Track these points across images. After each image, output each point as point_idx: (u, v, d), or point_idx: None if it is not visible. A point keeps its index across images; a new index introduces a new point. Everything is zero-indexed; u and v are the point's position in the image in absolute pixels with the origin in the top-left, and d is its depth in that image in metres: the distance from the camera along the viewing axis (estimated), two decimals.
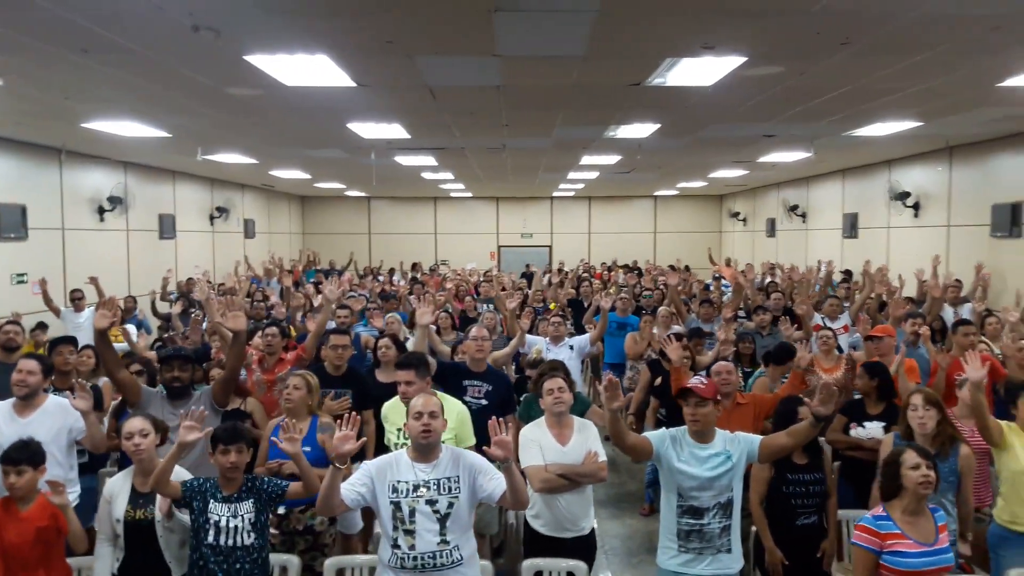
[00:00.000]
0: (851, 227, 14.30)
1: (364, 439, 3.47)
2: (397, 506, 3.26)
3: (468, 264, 17.32)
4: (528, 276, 12.97)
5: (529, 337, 6.75)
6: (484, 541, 4.96)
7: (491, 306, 9.43)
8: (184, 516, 3.64)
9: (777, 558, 4.09)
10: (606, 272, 16.57)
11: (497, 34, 5.20)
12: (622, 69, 6.19)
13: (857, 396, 5.30)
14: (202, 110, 7.83)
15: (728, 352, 6.22)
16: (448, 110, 8.12)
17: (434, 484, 3.28)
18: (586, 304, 10.02)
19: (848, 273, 12.88)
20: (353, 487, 3.29)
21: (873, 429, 4.80)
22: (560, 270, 16.16)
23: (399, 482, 3.29)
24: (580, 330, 8.48)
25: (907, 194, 12.12)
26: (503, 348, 6.23)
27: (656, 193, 21.77)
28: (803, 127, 9.15)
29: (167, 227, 13.91)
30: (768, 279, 12.64)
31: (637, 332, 7.88)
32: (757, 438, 3.54)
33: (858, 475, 4.69)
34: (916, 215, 12.12)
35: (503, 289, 9.82)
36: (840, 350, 6.50)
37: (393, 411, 4.55)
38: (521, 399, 5.35)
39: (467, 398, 4.92)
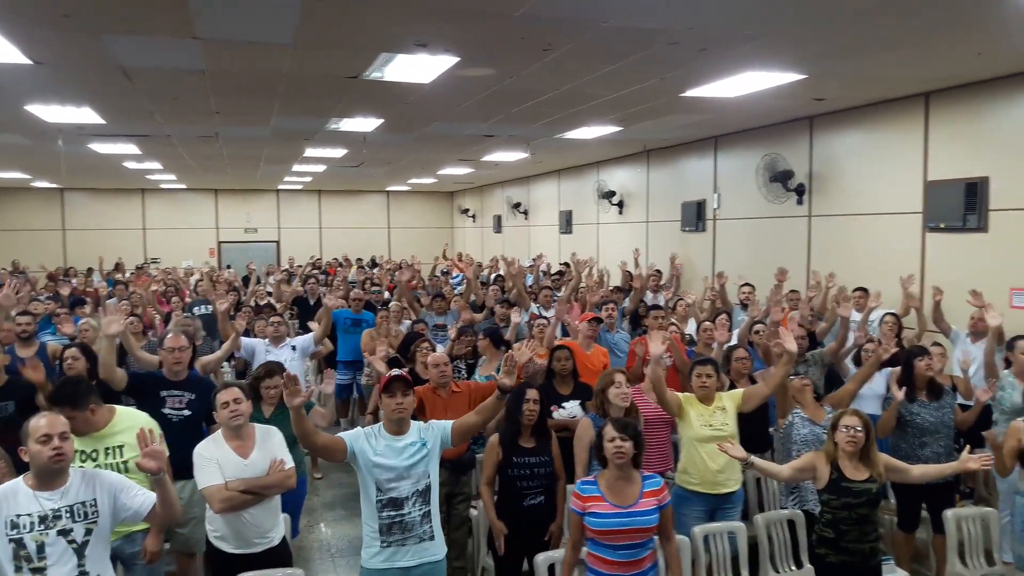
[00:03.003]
0: (567, 223, 15.33)
1: None
2: (20, 543, 2.88)
3: (184, 262, 16.05)
4: (247, 278, 12.24)
5: (245, 340, 6.36)
6: (193, 560, 4.61)
7: (207, 307, 8.77)
8: None
9: (499, 528, 4.24)
10: (338, 268, 16.21)
11: (194, 15, 4.81)
12: (337, 60, 6.03)
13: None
14: None
15: (464, 349, 6.35)
16: (148, 94, 7.42)
17: (66, 512, 2.96)
18: (312, 302, 9.70)
19: (565, 265, 13.77)
20: None
21: (572, 408, 5.13)
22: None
23: (19, 516, 2.90)
24: (307, 329, 8.17)
25: (613, 193, 13.24)
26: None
27: (388, 188, 21.74)
28: (519, 128, 9.59)
29: None
30: (494, 274, 13.13)
31: (374, 328, 7.77)
32: (450, 423, 3.65)
33: (568, 453, 4.96)
34: (621, 212, 13.27)
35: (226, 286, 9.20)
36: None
37: None
38: None
39: (167, 409, 4.55)
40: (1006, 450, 4.25)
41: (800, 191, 8.93)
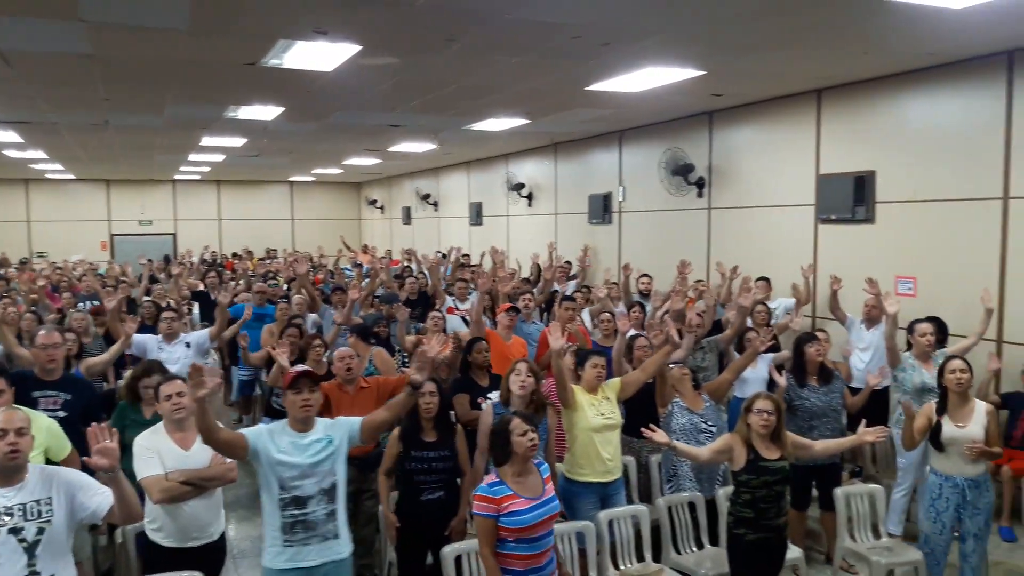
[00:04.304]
0: (477, 215, 15.32)
1: None
2: None
3: (73, 256, 15.24)
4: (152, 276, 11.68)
5: (137, 337, 6.07)
6: (81, 568, 4.37)
7: (96, 303, 8.34)
8: None
9: (391, 521, 4.23)
10: (237, 261, 15.72)
11: None
12: (233, 47, 5.82)
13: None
14: None
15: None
16: (29, 79, 7.00)
17: (18, 510, 2.85)
18: (213, 296, 9.36)
19: (466, 257, 13.76)
20: None
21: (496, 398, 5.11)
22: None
23: None
24: (209, 323, 7.89)
25: (522, 185, 13.30)
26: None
27: (292, 179, 21.21)
28: (426, 119, 9.50)
29: None
30: (406, 263, 13.01)
31: (274, 324, 7.59)
32: (358, 420, 3.57)
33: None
34: (530, 204, 13.35)
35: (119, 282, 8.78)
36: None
37: None
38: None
39: (39, 411, 4.25)
40: (916, 427, 4.52)
41: (700, 184, 9.18)
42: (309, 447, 3.38)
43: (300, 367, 3.53)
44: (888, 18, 5.14)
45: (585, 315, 7.63)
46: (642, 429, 4.16)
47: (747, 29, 5.42)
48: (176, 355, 5.89)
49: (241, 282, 10.03)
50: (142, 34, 5.42)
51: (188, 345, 6.19)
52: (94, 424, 2.93)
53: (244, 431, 3.41)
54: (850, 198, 7.31)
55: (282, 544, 3.35)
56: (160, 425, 3.83)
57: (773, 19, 5.16)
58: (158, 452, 3.66)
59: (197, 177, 19.72)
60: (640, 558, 4.47)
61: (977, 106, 6.35)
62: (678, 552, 4.60)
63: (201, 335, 6.41)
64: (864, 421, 4.25)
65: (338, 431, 3.48)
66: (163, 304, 8.27)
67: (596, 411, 4.53)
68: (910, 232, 6.92)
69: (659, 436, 4.02)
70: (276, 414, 5.45)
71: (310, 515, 3.36)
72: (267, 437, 3.36)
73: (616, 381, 4.77)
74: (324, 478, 3.39)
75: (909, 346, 5.66)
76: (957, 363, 4.45)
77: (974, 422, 4.34)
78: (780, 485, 3.94)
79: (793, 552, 4.50)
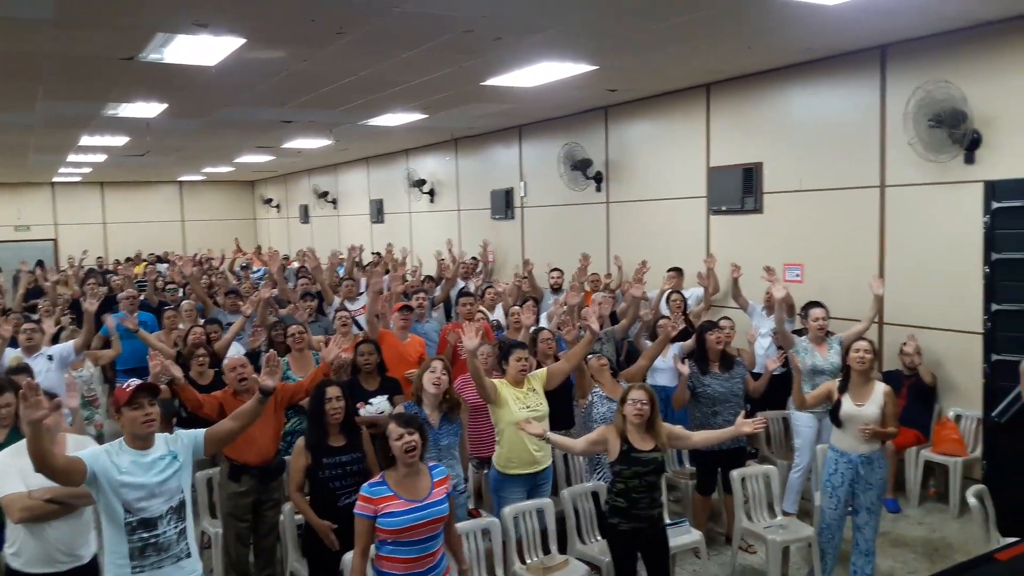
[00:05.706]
0: (378, 212, 15.09)
1: None
2: None
3: None
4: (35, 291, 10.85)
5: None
6: None
7: None
8: None
9: (325, 527, 4.09)
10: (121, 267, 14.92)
11: None
12: (106, 40, 5.51)
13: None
14: None
15: (259, 343, 6.13)
16: None
17: None
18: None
19: (378, 255, 13.56)
20: None
21: (380, 403, 5.03)
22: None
23: None
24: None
25: (423, 181, 13.17)
26: None
27: (181, 178, 20.35)
28: (319, 114, 9.27)
29: None
30: (300, 265, 12.66)
31: (162, 331, 7.22)
32: (201, 431, 3.42)
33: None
34: (432, 201, 13.24)
35: None
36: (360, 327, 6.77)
37: None
38: None
39: None
40: (814, 393, 4.84)
41: (598, 179, 9.31)
42: (153, 465, 3.18)
43: (137, 381, 3.31)
44: (767, 14, 5.32)
45: (498, 311, 7.60)
46: (517, 423, 4.22)
47: (634, 25, 5.50)
48: (37, 368, 5.47)
49: (129, 289, 9.52)
50: (3, 25, 5.05)
51: (51, 358, 5.78)
52: None
53: (80, 454, 3.15)
54: (739, 189, 7.56)
55: (131, 571, 3.13)
56: (23, 443, 3.49)
57: (659, 15, 5.26)
58: (20, 469, 3.36)
59: (78, 179, 18.67)
60: (546, 550, 4.48)
61: (854, 99, 6.66)
62: (583, 542, 4.64)
63: (65, 347, 5.97)
64: (743, 412, 4.38)
65: (180, 445, 3.31)
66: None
67: (522, 404, 4.55)
68: (796, 221, 7.21)
69: (532, 428, 4.12)
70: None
71: (161, 536, 3.16)
72: (106, 458, 3.13)
73: (542, 372, 4.81)
74: (172, 496, 3.21)
75: (803, 330, 5.89)
76: (862, 344, 4.65)
77: (872, 402, 4.53)
78: (653, 475, 4.01)
79: (694, 535, 4.62)
